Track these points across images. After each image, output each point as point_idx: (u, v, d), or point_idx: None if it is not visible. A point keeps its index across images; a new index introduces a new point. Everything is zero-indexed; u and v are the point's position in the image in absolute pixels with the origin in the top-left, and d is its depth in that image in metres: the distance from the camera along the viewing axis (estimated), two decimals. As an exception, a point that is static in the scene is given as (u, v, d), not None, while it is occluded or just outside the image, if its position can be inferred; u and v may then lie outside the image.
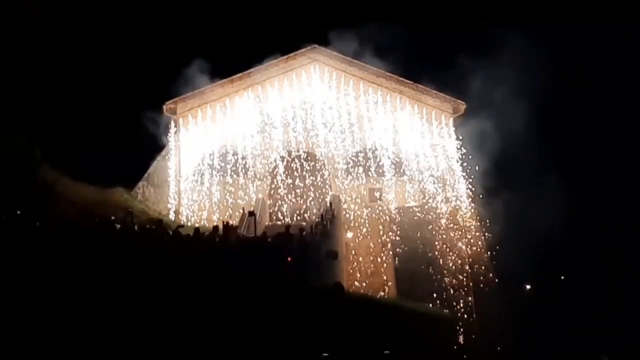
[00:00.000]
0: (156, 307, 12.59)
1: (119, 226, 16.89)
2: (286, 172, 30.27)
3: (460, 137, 29.94)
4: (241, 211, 26.06)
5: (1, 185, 17.43)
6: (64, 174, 21.27)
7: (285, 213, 29.85)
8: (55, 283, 12.50)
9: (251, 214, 22.65)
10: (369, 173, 29.93)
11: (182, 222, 26.19)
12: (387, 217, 28.88)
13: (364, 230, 28.88)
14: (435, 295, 25.93)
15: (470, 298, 26.66)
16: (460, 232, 28.20)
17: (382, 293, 26.94)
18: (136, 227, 17.33)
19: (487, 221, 28.28)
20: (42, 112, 25.92)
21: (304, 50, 31.14)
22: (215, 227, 19.35)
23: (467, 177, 29.34)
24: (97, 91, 34.30)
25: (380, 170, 29.80)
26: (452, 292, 26.54)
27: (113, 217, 17.85)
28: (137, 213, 21.29)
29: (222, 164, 29.64)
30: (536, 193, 30.85)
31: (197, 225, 23.34)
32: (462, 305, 26.30)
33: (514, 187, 29.13)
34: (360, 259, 28.29)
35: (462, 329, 24.32)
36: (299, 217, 29.26)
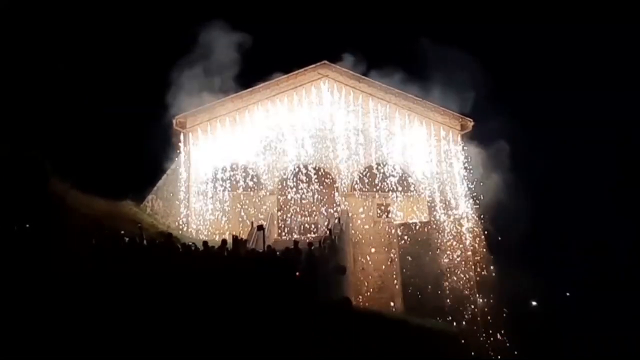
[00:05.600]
0: (164, 315, 12.70)
1: (127, 239, 17.07)
2: (295, 187, 30.43)
3: (468, 153, 30.07)
4: (250, 225, 26.15)
5: (12, 197, 17.63)
6: (74, 187, 21.44)
7: (293, 227, 29.93)
8: (65, 293, 12.64)
9: (260, 227, 22.62)
10: (377, 188, 30.09)
11: (191, 235, 26.38)
12: (395, 233, 28.90)
13: (372, 245, 28.90)
14: (442, 310, 25.89)
15: (477, 313, 26.60)
16: (466, 248, 28.18)
17: (389, 308, 26.92)
18: (145, 241, 17.50)
19: (493, 236, 28.30)
20: (52, 125, 26.17)
21: (313, 66, 31.43)
22: (224, 241, 19.44)
23: (473, 192, 29.41)
24: (108, 105, 34.67)
25: (388, 186, 29.94)
26: (459, 307, 26.47)
27: (123, 231, 18.01)
28: (147, 226, 21.45)
29: (232, 178, 29.81)
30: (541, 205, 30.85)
31: (205, 239, 23.43)
32: (469, 320, 26.22)
33: (520, 201, 29.11)
34: (368, 274, 28.30)
35: (469, 344, 24.20)
36: (307, 232, 29.29)
